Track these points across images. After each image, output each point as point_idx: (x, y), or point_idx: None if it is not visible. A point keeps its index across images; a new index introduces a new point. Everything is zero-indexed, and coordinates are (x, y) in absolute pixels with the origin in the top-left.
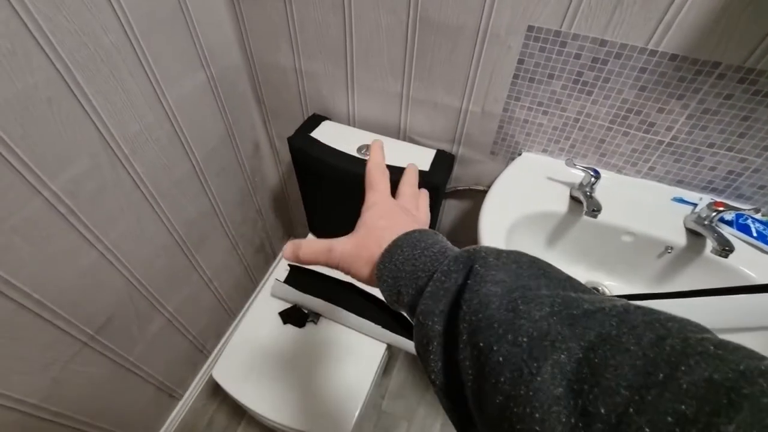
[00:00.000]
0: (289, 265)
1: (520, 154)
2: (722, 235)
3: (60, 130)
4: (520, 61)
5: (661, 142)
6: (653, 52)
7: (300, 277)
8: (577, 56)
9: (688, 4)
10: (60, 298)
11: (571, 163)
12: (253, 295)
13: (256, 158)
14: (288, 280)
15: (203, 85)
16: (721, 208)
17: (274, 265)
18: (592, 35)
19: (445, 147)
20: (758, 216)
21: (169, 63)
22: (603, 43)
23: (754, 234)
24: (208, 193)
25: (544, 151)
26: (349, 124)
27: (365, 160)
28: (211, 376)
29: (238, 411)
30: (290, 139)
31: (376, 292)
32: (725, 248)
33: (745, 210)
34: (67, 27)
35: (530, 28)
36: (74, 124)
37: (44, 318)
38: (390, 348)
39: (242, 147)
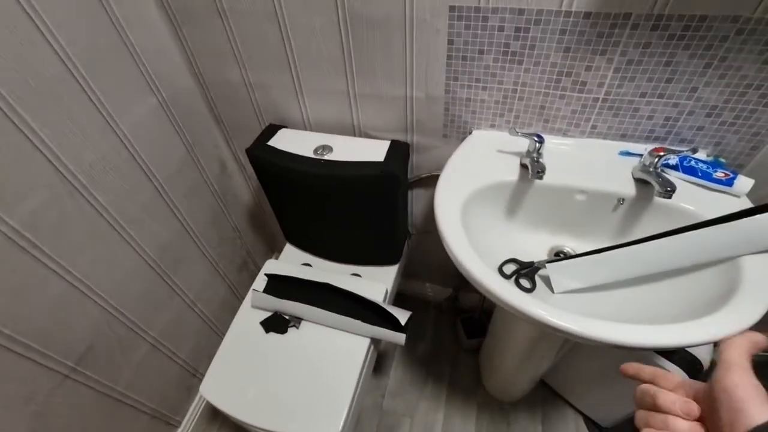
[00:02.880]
0: (266, 274)
1: (470, 133)
2: (665, 177)
3: (10, 165)
4: (450, 42)
5: (596, 99)
6: (568, 13)
7: (278, 285)
8: (501, 29)
9: None
10: (32, 331)
11: (514, 132)
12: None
13: (225, 176)
14: (266, 290)
15: (156, 109)
16: (661, 153)
17: (257, 277)
18: (509, 6)
19: (400, 136)
20: (701, 156)
21: (117, 91)
22: (521, 12)
23: (699, 174)
24: (178, 216)
25: (492, 126)
26: (305, 129)
27: (322, 160)
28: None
29: (240, 430)
30: (248, 150)
31: (355, 288)
32: (667, 189)
33: (683, 151)
34: (3, 65)
35: (452, 8)
36: (25, 158)
37: (16, 352)
38: (375, 343)
39: (207, 166)
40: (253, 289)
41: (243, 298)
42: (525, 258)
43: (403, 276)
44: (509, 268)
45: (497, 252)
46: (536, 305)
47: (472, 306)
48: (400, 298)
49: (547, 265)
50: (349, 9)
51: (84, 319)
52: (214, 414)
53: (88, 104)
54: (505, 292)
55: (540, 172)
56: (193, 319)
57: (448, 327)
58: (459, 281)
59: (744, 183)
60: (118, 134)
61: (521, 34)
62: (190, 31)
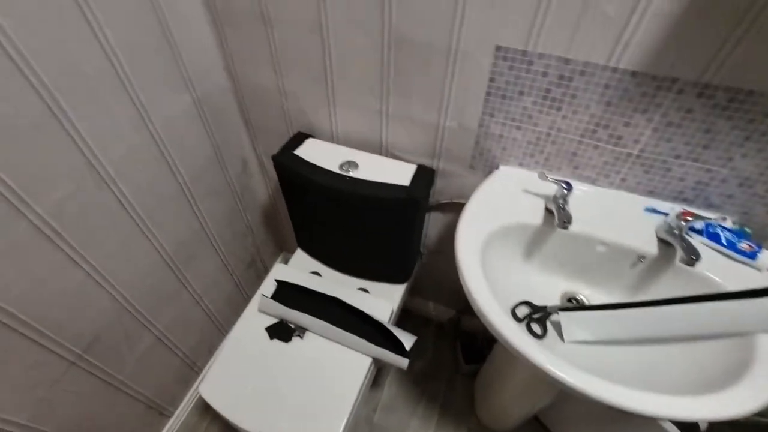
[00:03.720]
0: (276, 280)
1: (497, 168)
2: (690, 244)
3: (45, 155)
4: (492, 79)
5: (630, 155)
6: (615, 69)
7: (286, 292)
8: (544, 74)
9: (643, 24)
10: (46, 318)
11: (543, 177)
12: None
13: (245, 175)
14: (274, 296)
15: (189, 107)
16: (689, 218)
17: (265, 280)
18: (556, 54)
19: (426, 161)
20: (727, 224)
21: (154, 87)
22: (567, 61)
23: (724, 242)
24: (197, 212)
25: (521, 164)
26: (332, 141)
27: (347, 176)
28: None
29: (230, 427)
30: (274, 157)
31: (362, 305)
32: (691, 257)
33: (711, 219)
34: (51, 56)
35: (498, 48)
36: (59, 149)
37: (30, 338)
38: (377, 360)
39: (230, 165)
40: (262, 295)
41: (248, 295)
42: (538, 300)
43: (408, 292)
44: (522, 311)
45: (512, 291)
46: (545, 357)
47: (475, 330)
48: (402, 313)
49: (559, 312)
50: (395, 31)
51: (96, 309)
52: (206, 407)
53: (126, 99)
54: (517, 339)
55: (566, 222)
56: (198, 314)
57: (447, 348)
58: (464, 304)
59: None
60: (149, 129)
61: (564, 82)
62: (231, 33)
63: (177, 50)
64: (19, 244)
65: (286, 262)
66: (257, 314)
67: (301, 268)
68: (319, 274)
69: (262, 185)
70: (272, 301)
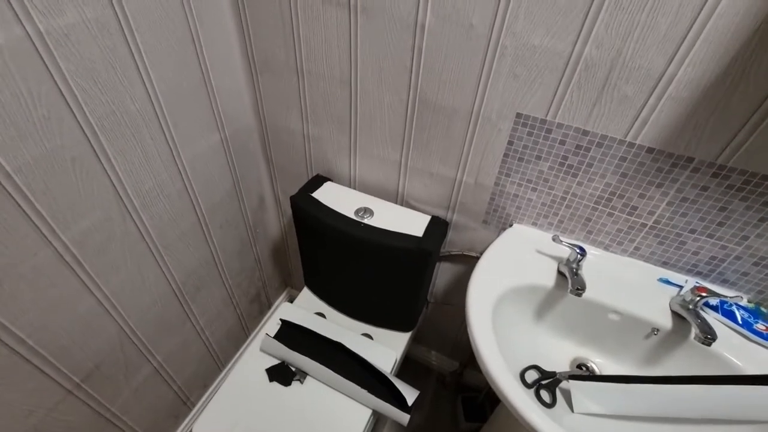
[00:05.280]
0: (281, 320)
1: (511, 225)
2: (705, 321)
3: (79, 187)
4: (510, 143)
5: (644, 225)
6: (631, 144)
7: (290, 334)
8: (562, 142)
9: (660, 106)
10: (52, 344)
11: (557, 240)
12: (244, 346)
13: (260, 210)
14: (278, 336)
15: (217, 145)
16: (704, 294)
17: (268, 315)
18: (575, 125)
19: (440, 213)
20: (743, 303)
21: (187, 126)
22: (585, 132)
23: (739, 321)
24: (210, 244)
25: (534, 224)
26: (350, 186)
27: (361, 223)
28: (191, 430)
29: None
30: (293, 198)
31: (366, 352)
32: (707, 336)
33: (728, 297)
34: (100, 98)
35: (518, 115)
36: (93, 181)
37: (34, 364)
38: (375, 413)
39: (247, 200)
40: (266, 334)
41: (249, 329)
42: (548, 364)
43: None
44: (531, 376)
45: (521, 353)
46: (553, 430)
47: (478, 386)
48: (403, 360)
49: (570, 380)
50: (420, 94)
51: (102, 337)
52: None
53: (161, 136)
54: (525, 408)
55: (579, 289)
56: (198, 347)
57: (447, 402)
58: (468, 357)
59: None
60: (178, 165)
61: (581, 152)
62: (265, 80)
63: (213, 92)
64: (40, 269)
65: (290, 299)
66: (258, 354)
67: (307, 308)
68: (323, 316)
69: (276, 222)
70: (275, 341)
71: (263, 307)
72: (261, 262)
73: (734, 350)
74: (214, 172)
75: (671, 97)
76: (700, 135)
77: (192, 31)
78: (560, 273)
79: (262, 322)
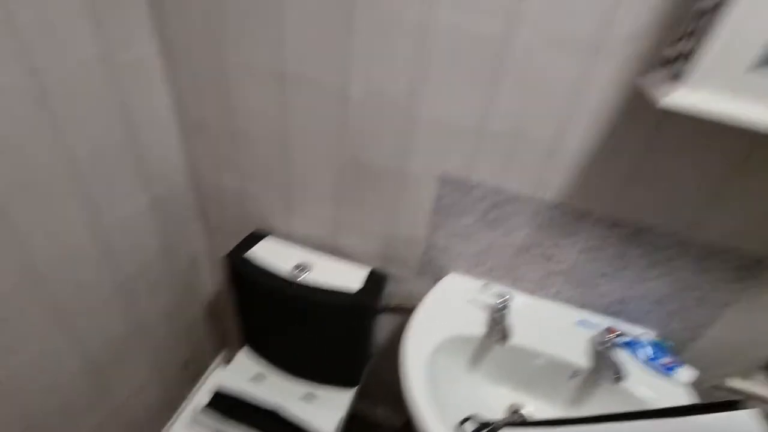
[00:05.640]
0: (214, 391)
1: (446, 274)
2: (613, 361)
3: None
4: (437, 199)
5: (562, 271)
6: (540, 200)
7: (224, 403)
8: (482, 199)
9: (557, 166)
10: None
11: (485, 290)
12: (175, 416)
13: (192, 270)
14: (211, 405)
15: (144, 207)
16: (612, 334)
17: (200, 383)
18: (491, 185)
19: (378, 265)
20: (651, 338)
21: (108, 189)
22: (499, 191)
23: (647, 357)
24: (132, 310)
25: (467, 272)
26: (288, 241)
27: (295, 283)
28: None
29: None
30: (225, 257)
31: (307, 416)
32: (616, 376)
33: (635, 335)
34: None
35: (442, 175)
36: None
37: None
38: None
39: (177, 262)
40: (203, 407)
41: (179, 401)
42: (486, 412)
43: (358, 395)
44: (470, 426)
45: (459, 403)
46: None
47: None
48: (348, 418)
49: (504, 428)
50: (352, 156)
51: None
52: None
53: (79, 199)
54: None
55: (502, 338)
56: (118, 425)
57: None
58: None
59: (685, 374)
60: (96, 229)
61: (498, 208)
62: (198, 141)
63: (140, 153)
64: None
65: (228, 360)
66: (191, 426)
67: (244, 371)
68: (264, 376)
69: (209, 282)
70: (208, 413)
71: (201, 369)
72: (194, 324)
73: (643, 386)
74: (141, 234)
75: (567, 153)
76: (596, 191)
77: (118, 96)
78: (491, 321)
79: (195, 389)
